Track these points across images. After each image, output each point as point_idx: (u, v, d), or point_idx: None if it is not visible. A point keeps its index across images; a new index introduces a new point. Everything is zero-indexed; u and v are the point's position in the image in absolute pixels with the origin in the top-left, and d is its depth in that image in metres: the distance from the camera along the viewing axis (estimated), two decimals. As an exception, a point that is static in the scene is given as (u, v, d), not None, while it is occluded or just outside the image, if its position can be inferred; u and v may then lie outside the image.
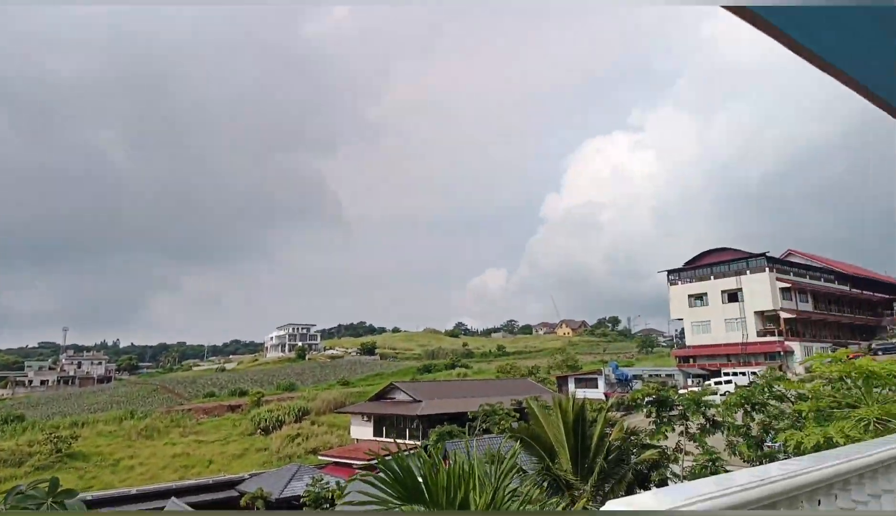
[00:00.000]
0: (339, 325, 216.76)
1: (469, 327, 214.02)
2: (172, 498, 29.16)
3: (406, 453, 5.88)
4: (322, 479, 31.53)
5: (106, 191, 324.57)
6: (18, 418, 67.03)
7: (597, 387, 60.31)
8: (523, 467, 11.05)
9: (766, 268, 72.90)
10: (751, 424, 16.32)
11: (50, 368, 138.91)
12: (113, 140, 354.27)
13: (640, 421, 19.53)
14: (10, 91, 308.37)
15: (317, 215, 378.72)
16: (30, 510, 3.00)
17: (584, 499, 8.05)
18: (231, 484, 39.44)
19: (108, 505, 32.02)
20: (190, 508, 26.25)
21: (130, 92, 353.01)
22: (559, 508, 6.33)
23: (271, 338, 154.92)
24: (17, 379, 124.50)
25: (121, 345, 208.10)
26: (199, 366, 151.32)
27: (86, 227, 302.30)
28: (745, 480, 2.33)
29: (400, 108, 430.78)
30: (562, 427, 13.61)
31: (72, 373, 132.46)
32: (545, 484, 12.69)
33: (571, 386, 61.95)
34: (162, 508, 28.60)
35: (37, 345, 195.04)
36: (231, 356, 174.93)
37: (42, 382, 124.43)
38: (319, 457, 47.66)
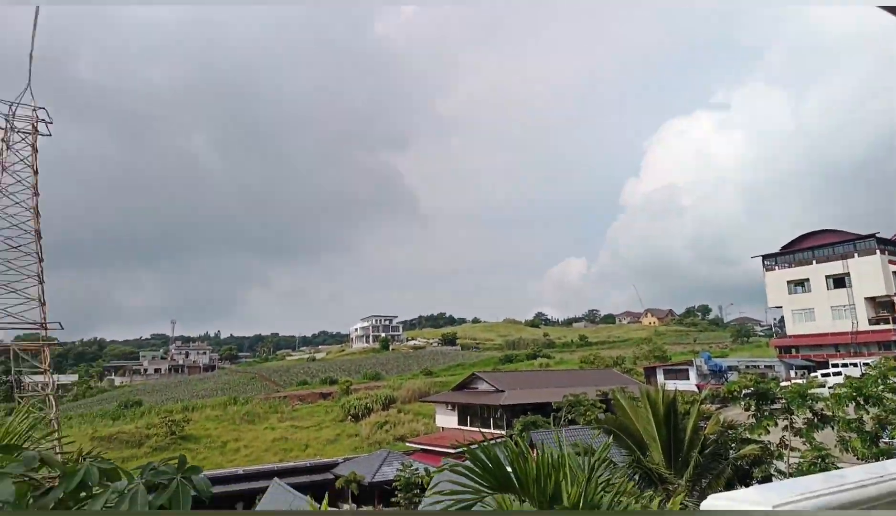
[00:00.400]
0: (420, 316, 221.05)
1: (549, 317, 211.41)
2: (275, 478, 31.22)
3: (493, 442, 5.98)
4: (411, 465, 32.47)
5: (199, 193, 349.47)
6: (137, 403, 73.96)
7: (688, 379, 57.98)
8: (612, 459, 10.87)
9: (877, 251, 66.40)
10: (864, 418, 15.07)
11: (161, 358, 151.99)
12: (204, 144, 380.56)
13: (737, 414, 18.58)
14: (110, 101, 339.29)
15: (394, 209, 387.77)
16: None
17: (681, 494, 7.81)
18: (326, 468, 41.56)
19: (220, 484, 34.83)
20: (291, 488, 28.00)
21: (217, 97, 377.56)
22: (654, 502, 6.21)
23: (356, 329, 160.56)
24: (134, 368, 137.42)
25: (222, 336, 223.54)
26: (291, 355, 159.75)
27: (183, 228, 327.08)
28: (860, 477, 2.23)
29: (470, 101, 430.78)
30: (652, 419, 13.24)
31: (181, 362, 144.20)
32: (636, 476, 12.42)
33: (660, 377, 59.85)
34: (265, 488, 30.68)
35: (149, 337, 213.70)
36: (320, 346, 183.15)
37: (155, 370, 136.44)
38: (407, 444, 49.07)
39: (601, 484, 5.01)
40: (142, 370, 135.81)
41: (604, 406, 38.34)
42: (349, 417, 62.52)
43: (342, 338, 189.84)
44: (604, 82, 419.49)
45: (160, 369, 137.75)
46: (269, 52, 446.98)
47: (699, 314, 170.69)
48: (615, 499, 4.95)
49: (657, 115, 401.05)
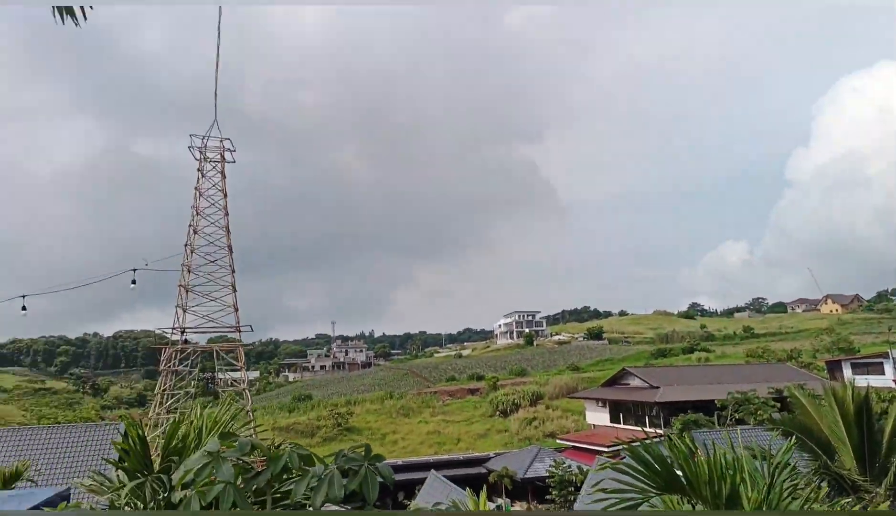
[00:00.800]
0: (563, 311, 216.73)
1: (706, 307, 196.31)
2: (432, 470, 32.76)
3: (657, 440, 5.77)
4: (564, 462, 32.12)
5: (352, 200, 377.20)
6: (307, 397, 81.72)
7: (883, 374, 50.30)
8: (794, 464, 9.86)
9: None
10: None
11: (325, 355, 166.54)
12: (353, 155, 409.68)
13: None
14: (273, 126, 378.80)
15: (532, 203, 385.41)
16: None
17: (884, 503, 6.86)
18: (479, 462, 42.63)
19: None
20: (447, 480, 29.16)
21: (361, 108, 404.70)
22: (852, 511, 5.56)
23: (499, 325, 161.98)
24: (303, 365, 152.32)
25: (375, 335, 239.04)
26: (438, 352, 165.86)
27: (340, 234, 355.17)
28: None
29: (607, 84, 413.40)
30: (840, 419, 11.76)
31: (341, 360, 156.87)
32: (823, 483, 11.11)
33: (847, 372, 52.59)
34: (423, 479, 32.28)
35: (314, 337, 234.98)
36: (465, 343, 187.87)
37: (321, 367, 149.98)
38: (558, 441, 48.56)
39: (786, 489, 4.60)
40: (310, 367, 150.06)
41: (778, 404, 34.87)
42: (497, 412, 63.33)
43: (486, 335, 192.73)
44: (756, 45, 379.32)
45: (325, 366, 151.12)
46: (404, 60, 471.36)
47: (894, 298, 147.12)
48: (805, 506, 4.51)
49: (829, 71, 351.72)
